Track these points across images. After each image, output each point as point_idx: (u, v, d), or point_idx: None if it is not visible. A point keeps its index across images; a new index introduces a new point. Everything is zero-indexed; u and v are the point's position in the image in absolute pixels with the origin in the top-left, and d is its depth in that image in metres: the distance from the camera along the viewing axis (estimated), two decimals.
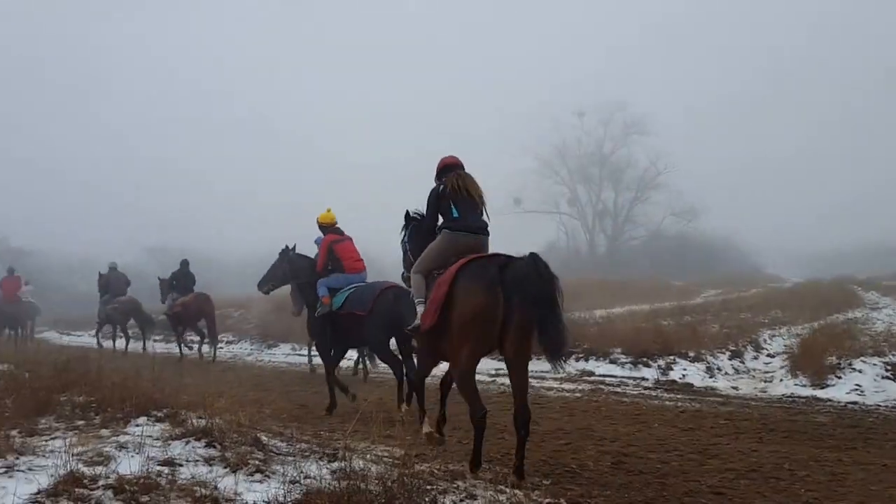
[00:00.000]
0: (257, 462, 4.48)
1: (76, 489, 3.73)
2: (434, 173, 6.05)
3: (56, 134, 77.07)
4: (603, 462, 5.96)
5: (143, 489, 3.80)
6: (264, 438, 5.05)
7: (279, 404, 7.49)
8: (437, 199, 5.77)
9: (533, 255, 4.74)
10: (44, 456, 4.26)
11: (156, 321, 17.82)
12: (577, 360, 10.75)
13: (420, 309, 5.58)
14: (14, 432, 4.92)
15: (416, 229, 6.17)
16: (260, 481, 4.21)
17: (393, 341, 8.14)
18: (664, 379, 10.13)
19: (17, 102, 75.91)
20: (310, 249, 9.31)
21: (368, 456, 5.21)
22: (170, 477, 4.05)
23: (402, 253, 6.46)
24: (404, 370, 7.98)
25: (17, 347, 15.57)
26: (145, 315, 17.37)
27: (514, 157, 52.98)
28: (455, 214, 5.62)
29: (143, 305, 17.59)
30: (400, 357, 8.05)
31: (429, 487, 4.40)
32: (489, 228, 5.80)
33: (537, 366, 10.53)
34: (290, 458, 4.71)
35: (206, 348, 15.48)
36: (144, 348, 16.67)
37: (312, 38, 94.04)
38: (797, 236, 52.15)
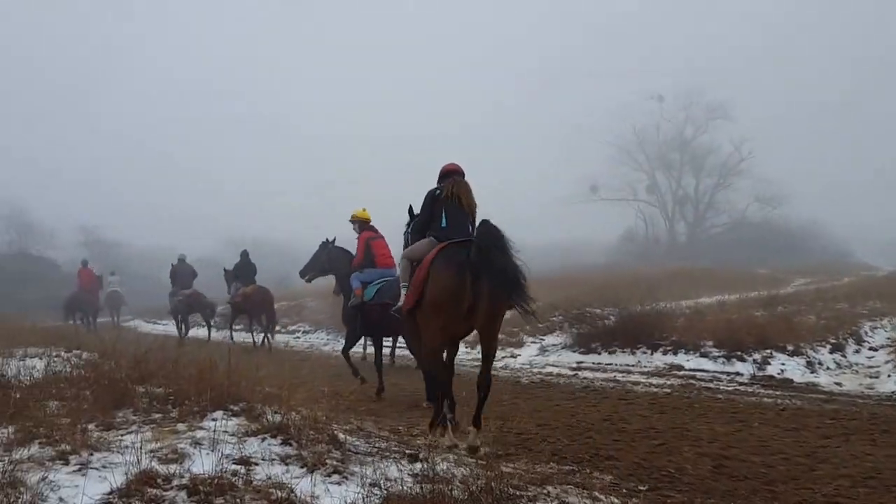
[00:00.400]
0: (335, 462, 4.24)
1: (149, 489, 3.56)
2: (437, 178, 6.49)
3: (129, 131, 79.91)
4: (702, 466, 5.51)
5: (217, 490, 3.61)
6: (341, 436, 4.82)
7: (355, 397, 7.30)
8: (431, 201, 6.21)
9: (486, 226, 5.18)
10: (118, 452, 4.13)
11: (217, 311, 18.58)
12: (665, 353, 10.21)
13: (404, 292, 6.13)
14: (91, 426, 4.83)
15: (416, 225, 6.60)
16: (338, 483, 3.97)
17: None
18: (761, 374, 9.50)
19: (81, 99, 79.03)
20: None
21: (452, 456, 4.93)
22: (245, 477, 3.86)
23: (405, 243, 6.93)
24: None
25: (86, 334, 16.07)
26: (206, 306, 17.89)
27: (590, 144, 52.03)
28: (443, 224, 6.06)
29: (207, 297, 18.16)
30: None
31: (518, 493, 4.07)
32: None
33: (621, 359, 10.12)
34: (369, 459, 4.47)
35: (259, 337, 15.90)
36: (209, 338, 17.13)
37: (332, 34, 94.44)
38: (887, 224, 49.31)
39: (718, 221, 51.30)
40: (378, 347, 9.14)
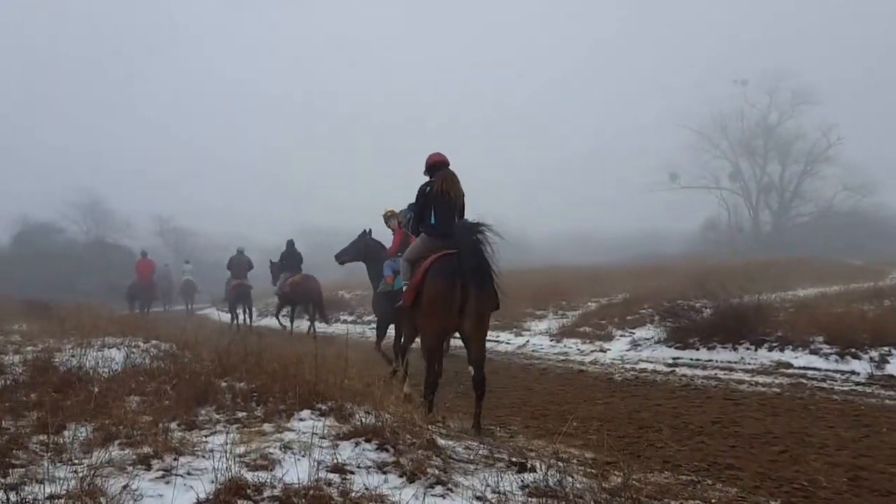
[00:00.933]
0: (436, 471, 3.85)
1: (238, 500, 3.24)
2: (424, 167, 6.94)
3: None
4: (836, 477, 4.92)
5: (312, 502, 3.27)
6: (440, 441, 4.43)
7: (440, 393, 6.92)
8: (423, 198, 6.72)
9: (465, 229, 5.84)
10: (203, 456, 3.85)
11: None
12: (771, 349, 9.49)
13: (403, 287, 6.76)
14: (173, 425, 4.59)
15: (413, 218, 7.14)
16: (441, 496, 3.58)
17: None
18: (879, 373, 8.71)
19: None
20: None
21: (560, 464, 4.49)
22: (341, 487, 3.51)
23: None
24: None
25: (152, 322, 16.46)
26: (250, 299, 19.03)
27: (670, 131, 50.39)
28: (433, 220, 6.64)
29: (251, 287, 19.23)
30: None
31: None
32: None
33: (722, 355, 9.45)
34: (473, 467, 4.07)
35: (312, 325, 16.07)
36: (249, 326, 17.98)
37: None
38: None
39: (805, 210, 48.95)
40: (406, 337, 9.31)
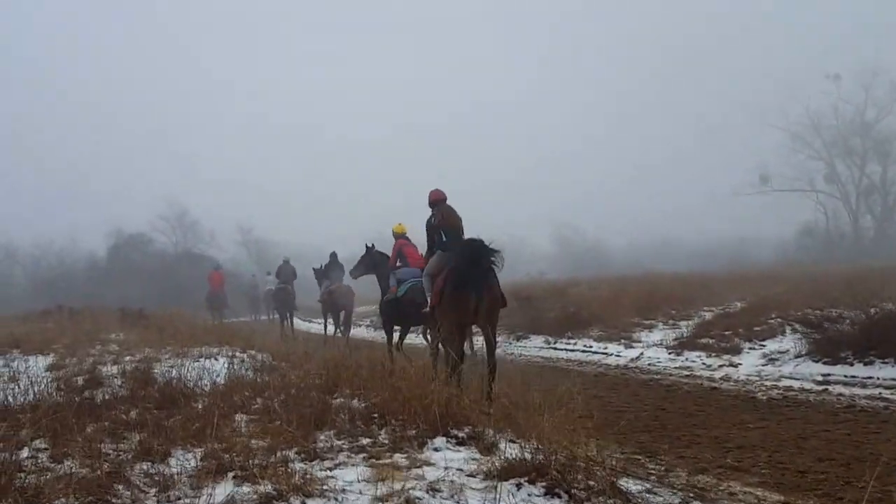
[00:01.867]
0: None
1: None
2: (427, 201, 8.46)
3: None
4: None
5: None
6: (626, 484, 3.55)
7: (582, 414, 6.07)
8: (431, 228, 8.23)
9: (474, 253, 7.02)
10: (335, 499, 3.11)
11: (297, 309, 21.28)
12: None
13: (429, 297, 8.14)
14: (292, 453, 3.89)
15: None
16: None
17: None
18: None
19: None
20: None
21: None
22: None
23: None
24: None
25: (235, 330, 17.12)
26: (290, 304, 20.39)
27: (759, 131, 47.90)
28: (444, 239, 8.06)
29: (292, 294, 20.50)
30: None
31: None
32: None
33: (885, 371, 8.23)
34: None
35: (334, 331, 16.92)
36: (289, 332, 19.10)
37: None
38: None
39: None
40: (403, 335, 10.81)
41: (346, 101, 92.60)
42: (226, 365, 8.37)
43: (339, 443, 4.19)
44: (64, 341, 10.49)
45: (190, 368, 7.66)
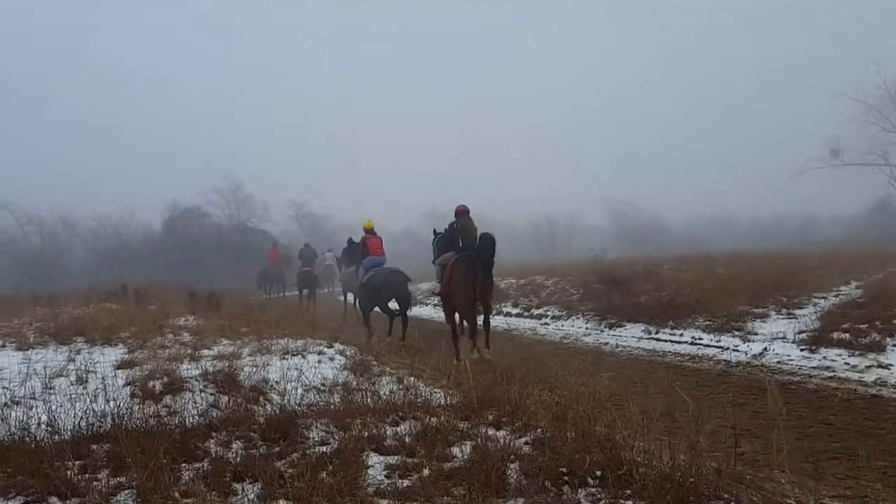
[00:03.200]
0: None
1: None
2: (454, 211, 10.42)
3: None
4: None
5: None
6: None
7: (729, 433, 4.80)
8: (452, 231, 10.16)
9: (483, 239, 9.34)
10: None
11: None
12: None
13: (439, 284, 10.30)
14: None
15: (439, 240, 10.83)
16: None
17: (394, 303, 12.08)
18: None
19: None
20: None
21: None
22: None
23: (433, 250, 11.26)
24: (403, 317, 11.91)
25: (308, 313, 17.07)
26: (315, 284, 22.11)
27: (831, 104, 45.22)
28: (460, 244, 9.87)
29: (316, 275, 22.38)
30: (396, 310, 12.03)
31: None
32: None
33: None
34: None
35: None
36: (314, 305, 20.71)
37: None
38: None
39: None
40: (380, 311, 12.42)
41: (403, 82, 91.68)
42: (318, 363, 7.32)
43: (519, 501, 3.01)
44: (131, 328, 9.53)
45: (279, 368, 6.64)
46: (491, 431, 4.14)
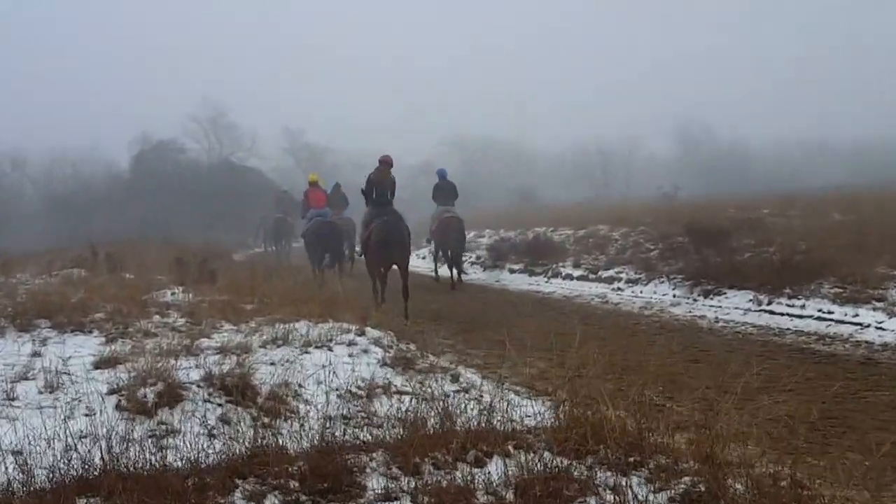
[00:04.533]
0: None
1: None
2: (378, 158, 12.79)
3: None
4: None
5: None
6: None
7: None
8: (369, 183, 12.32)
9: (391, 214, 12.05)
10: None
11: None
12: None
13: (359, 243, 14.69)
14: None
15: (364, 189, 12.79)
16: None
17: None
18: None
19: None
20: None
21: None
22: None
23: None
24: (339, 265, 16.39)
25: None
26: (291, 234, 24.22)
27: None
28: (374, 196, 12.22)
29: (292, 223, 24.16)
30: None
31: None
32: (392, 200, 12.43)
33: None
34: None
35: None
36: (288, 258, 22.47)
37: None
38: None
39: None
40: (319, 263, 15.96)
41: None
42: (350, 356, 6.92)
43: None
44: (106, 307, 9.15)
45: (302, 366, 6.24)
46: (612, 477, 3.69)
